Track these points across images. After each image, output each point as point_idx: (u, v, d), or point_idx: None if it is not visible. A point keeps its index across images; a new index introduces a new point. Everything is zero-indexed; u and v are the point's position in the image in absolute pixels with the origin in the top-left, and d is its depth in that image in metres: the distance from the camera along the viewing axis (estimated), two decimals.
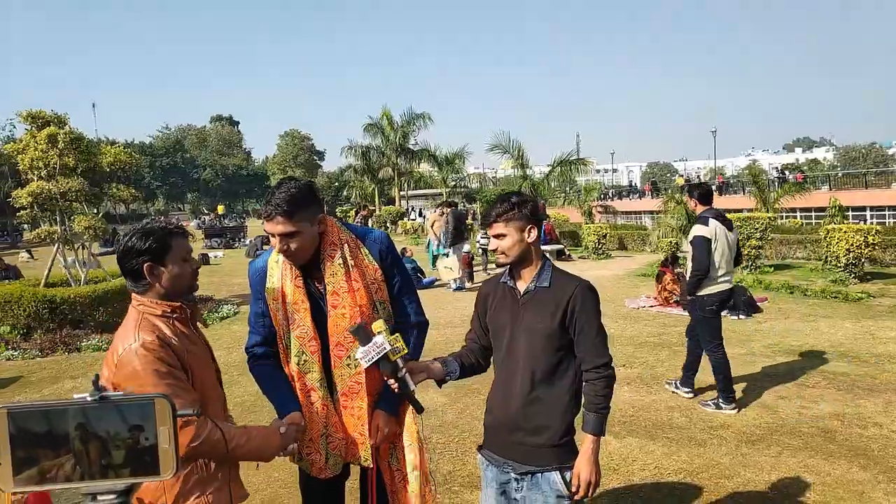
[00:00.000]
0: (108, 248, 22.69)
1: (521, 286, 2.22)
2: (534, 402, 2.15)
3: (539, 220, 2.23)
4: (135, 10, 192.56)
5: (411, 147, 34.96)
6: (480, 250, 14.66)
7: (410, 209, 36.43)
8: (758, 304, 9.28)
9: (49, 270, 9.81)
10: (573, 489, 2.12)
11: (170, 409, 0.74)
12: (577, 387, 2.19)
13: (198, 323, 2.06)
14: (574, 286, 2.15)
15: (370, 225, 15.19)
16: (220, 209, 39.33)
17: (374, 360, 1.97)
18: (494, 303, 2.29)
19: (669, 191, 31.40)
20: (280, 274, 2.21)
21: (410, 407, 2.21)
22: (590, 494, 2.13)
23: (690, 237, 5.30)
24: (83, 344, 8.13)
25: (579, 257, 17.63)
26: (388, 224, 32.69)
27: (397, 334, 2.04)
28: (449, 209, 13.78)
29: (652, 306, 9.92)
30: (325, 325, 2.19)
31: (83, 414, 0.72)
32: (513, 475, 2.20)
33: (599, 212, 28.79)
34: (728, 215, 5.60)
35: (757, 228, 12.65)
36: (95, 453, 0.72)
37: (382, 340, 1.98)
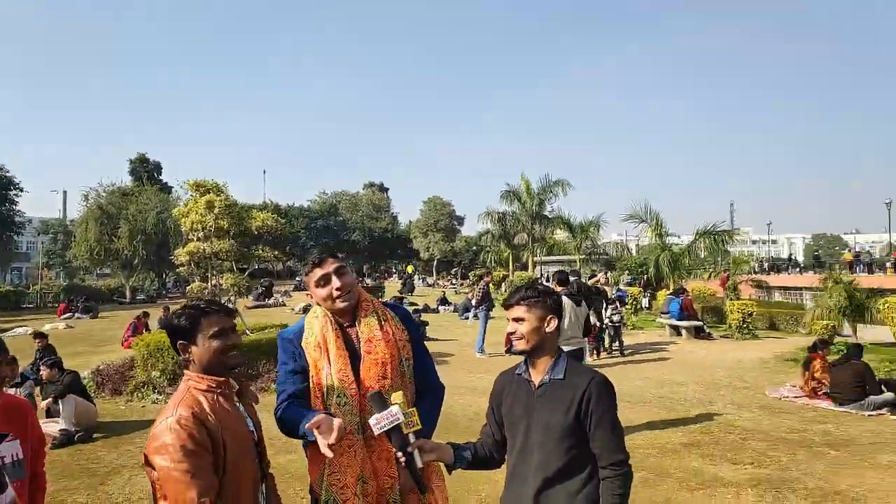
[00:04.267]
0: (260, 301, 24.75)
1: (536, 378, 2.18)
2: (546, 501, 2.05)
3: (559, 314, 2.20)
4: (322, 101, 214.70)
5: (547, 214, 34.92)
6: (608, 324, 13.56)
7: (541, 275, 36.10)
8: None
9: None
10: None
11: None
12: (594, 485, 2.06)
13: (248, 401, 2.15)
14: (588, 379, 2.09)
15: (490, 288, 15.01)
16: (410, 268, 43.29)
17: (385, 429, 1.96)
18: (509, 396, 2.25)
19: (832, 267, 28.46)
20: (320, 325, 2.41)
21: (441, 464, 2.21)
22: None
23: None
24: None
25: (721, 336, 16.30)
26: None
27: (413, 409, 2.04)
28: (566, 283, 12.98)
29: (797, 397, 8.84)
30: (359, 371, 2.33)
31: None
32: None
33: (751, 286, 26.66)
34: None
35: None
36: None
37: (398, 411, 1.96)
